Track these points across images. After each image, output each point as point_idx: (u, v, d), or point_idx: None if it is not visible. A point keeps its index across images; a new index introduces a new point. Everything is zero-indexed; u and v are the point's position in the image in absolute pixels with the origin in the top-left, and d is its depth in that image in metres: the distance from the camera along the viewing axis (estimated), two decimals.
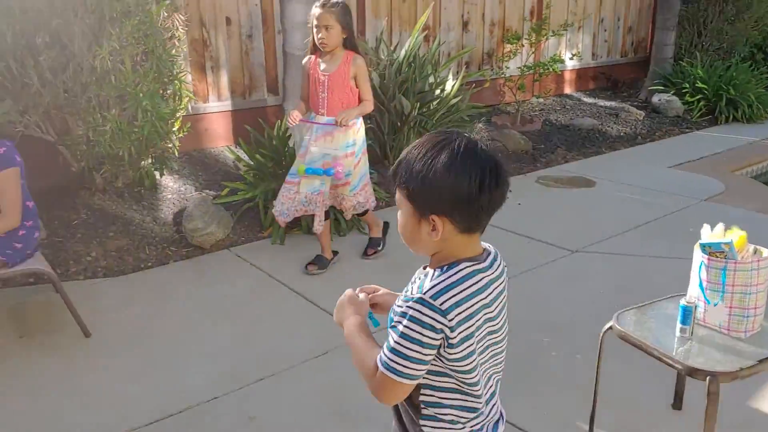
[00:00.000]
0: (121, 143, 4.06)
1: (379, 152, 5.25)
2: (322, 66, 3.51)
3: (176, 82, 4.32)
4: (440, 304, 1.27)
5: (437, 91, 5.20)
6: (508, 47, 7.34)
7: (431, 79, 5.18)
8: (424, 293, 1.28)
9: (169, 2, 4.27)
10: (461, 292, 1.29)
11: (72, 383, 2.74)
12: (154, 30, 4.07)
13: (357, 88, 3.54)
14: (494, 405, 1.43)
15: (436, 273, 1.33)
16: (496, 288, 1.37)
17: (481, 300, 1.32)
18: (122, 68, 3.93)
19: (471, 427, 1.38)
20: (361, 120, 3.64)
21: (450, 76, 5.42)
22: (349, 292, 1.52)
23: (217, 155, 5.41)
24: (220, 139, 5.64)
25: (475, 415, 1.37)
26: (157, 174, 4.66)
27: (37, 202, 3.08)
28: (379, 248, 3.96)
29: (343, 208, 3.74)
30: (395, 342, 1.29)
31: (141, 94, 3.96)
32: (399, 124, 5.10)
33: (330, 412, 2.57)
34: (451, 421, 1.36)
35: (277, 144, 4.38)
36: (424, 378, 1.33)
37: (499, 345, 1.40)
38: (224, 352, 2.97)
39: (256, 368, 2.84)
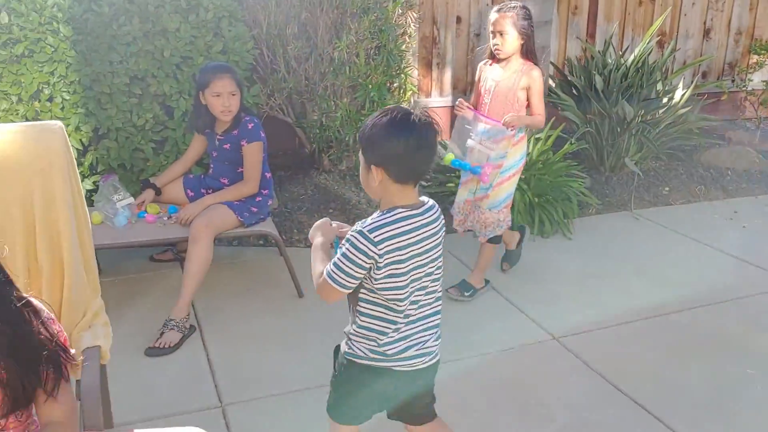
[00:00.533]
0: (348, 130, 4.40)
1: (596, 157, 5.13)
2: (494, 72, 3.31)
3: (403, 75, 4.59)
4: (374, 237, 1.69)
5: (665, 99, 4.96)
6: (754, 58, 6.74)
7: (659, 87, 4.95)
8: (364, 227, 1.71)
9: (405, 1, 4.55)
10: (392, 230, 1.71)
11: (284, 335, 3.07)
12: (389, 26, 4.36)
13: (527, 101, 3.27)
14: (424, 330, 1.82)
15: (378, 214, 1.73)
16: (426, 231, 1.76)
17: (409, 238, 1.72)
18: (356, 60, 4.27)
19: (392, 336, 1.79)
20: (524, 138, 3.36)
21: (681, 85, 5.13)
22: (325, 219, 1.93)
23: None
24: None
25: (395, 327, 1.79)
26: None
27: (273, 175, 3.48)
28: (467, 295, 3.46)
29: (480, 225, 3.41)
30: (338, 259, 1.73)
31: (370, 86, 4.27)
32: (619, 129, 4.95)
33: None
34: (376, 331, 1.79)
35: None
36: (361, 293, 1.78)
37: (427, 279, 1.79)
38: None
39: None
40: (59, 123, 2.04)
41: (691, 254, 4.05)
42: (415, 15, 4.77)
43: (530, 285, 3.62)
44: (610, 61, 5.12)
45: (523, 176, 4.32)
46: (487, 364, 2.91)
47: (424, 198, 1.82)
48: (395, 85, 4.66)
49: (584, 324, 3.23)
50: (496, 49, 3.23)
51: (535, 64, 3.25)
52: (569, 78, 5.22)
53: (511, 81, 3.24)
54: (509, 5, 3.20)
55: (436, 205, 1.82)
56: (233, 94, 3.18)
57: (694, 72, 6.71)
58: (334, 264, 1.74)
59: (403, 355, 1.81)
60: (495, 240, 3.47)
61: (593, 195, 4.67)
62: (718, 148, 5.65)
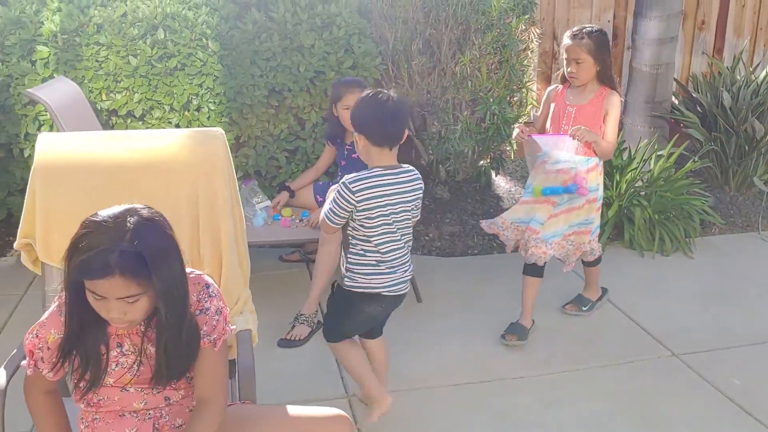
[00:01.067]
0: (467, 142, 4.52)
1: (720, 177, 4.99)
2: (571, 97, 3.19)
3: (524, 90, 4.66)
4: (353, 187, 2.27)
5: None
6: None
7: None
8: (347, 179, 2.29)
9: (528, 17, 4.63)
10: (368, 183, 2.28)
11: (403, 335, 3.22)
12: (511, 41, 4.45)
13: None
14: (400, 264, 2.39)
15: (363, 171, 2.30)
16: (397, 188, 2.31)
17: (381, 191, 2.28)
18: (478, 75, 4.38)
19: (377, 268, 2.36)
20: (598, 169, 3.17)
21: None
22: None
23: None
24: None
25: (374, 251, 2.34)
26: (492, 173, 5.07)
27: None
28: (585, 309, 3.44)
29: (569, 261, 3.24)
30: (329, 202, 2.34)
31: (491, 99, 4.38)
32: (747, 148, 4.80)
33: None
34: (362, 264, 2.37)
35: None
36: (349, 230, 2.36)
37: (397, 224, 2.34)
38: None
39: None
40: (221, 130, 2.28)
41: None
42: (537, 31, 4.83)
43: (649, 301, 3.60)
44: (738, 77, 4.97)
45: (643, 192, 4.30)
46: (606, 375, 2.94)
47: (407, 165, 2.39)
48: (515, 98, 4.74)
49: (706, 343, 3.18)
50: (571, 77, 3.14)
51: (613, 88, 3.16)
52: (694, 95, 5.11)
53: (595, 106, 3.13)
54: (585, 30, 3.09)
55: (416, 172, 2.40)
56: None
57: None
58: (328, 207, 2.34)
59: (389, 283, 2.38)
60: (597, 262, 3.39)
61: (717, 214, 4.55)
62: None
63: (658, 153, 4.48)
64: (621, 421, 2.63)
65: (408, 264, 2.45)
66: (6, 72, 3.70)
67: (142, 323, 1.55)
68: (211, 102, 3.82)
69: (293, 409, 1.78)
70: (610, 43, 3.14)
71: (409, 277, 2.48)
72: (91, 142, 2.20)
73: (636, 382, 2.90)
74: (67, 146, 2.16)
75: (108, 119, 3.81)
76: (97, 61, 3.71)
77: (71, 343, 1.51)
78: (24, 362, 1.63)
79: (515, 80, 4.56)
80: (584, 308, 3.47)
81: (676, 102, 5.24)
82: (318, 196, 3.68)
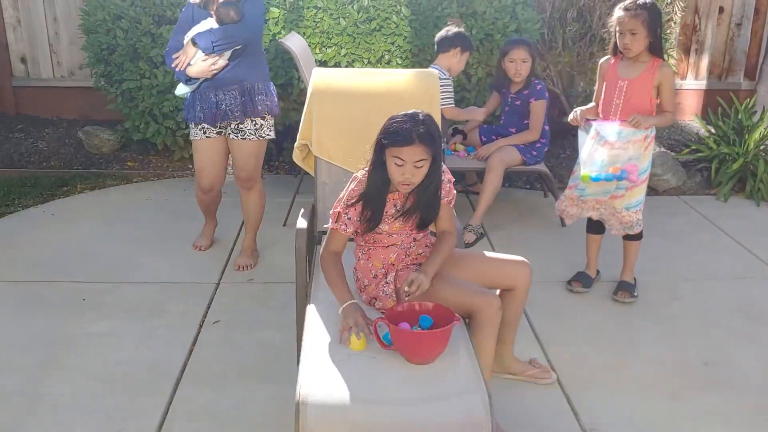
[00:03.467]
0: None
1: None
2: (622, 70, 3.25)
3: (666, 56, 5.24)
4: None
5: None
6: None
7: None
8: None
9: None
10: None
11: (546, 245, 4.00)
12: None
13: (658, 98, 3.24)
14: None
15: None
16: None
17: None
18: None
19: None
20: (653, 137, 3.28)
21: None
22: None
23: (683, 126, 6.17)
24: (687, 113, 6.38)
25: None
26: None
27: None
28: (636, 294, 3.46)
29: (617, 223, 3.35)
30: None
31: None
32: None
33: None
34: None
35: (741, 117, 5.00)
36: None
37: None
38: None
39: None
40: (434, 70, 3.15)
41: None
42: (682, 4, 5.38)
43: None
44: None
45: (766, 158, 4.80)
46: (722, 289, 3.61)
47: None
48: None
49: None
50: (625, 49, 3.16)
51: (662, 59, 3.22)
52: None
53: (646, 80, 3.20)
54: (638, 2, 3.12)
55: None
56: (524, 62, 4.13)
57: None
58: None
59: None
60: (638, 236, 3.43)
61: None
62: None
63: None
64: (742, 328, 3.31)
65: None
66: None
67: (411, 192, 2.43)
68: (398, 57, 4.72)
69: (488, 253, 2.65)
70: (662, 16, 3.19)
71: None
72: (350, 75, 3.14)
73: (754, 295, 3.55)
74: (334, 77, 3.10)
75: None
76: (314, 21, 4.69)
77: (367, 198, 2.41)
78: (327, 225, 2.54)
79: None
80: (635, 293, 3.47)
81: None
82: (482, 137, 4.50)
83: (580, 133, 3.27)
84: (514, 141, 4.26)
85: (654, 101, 3.25)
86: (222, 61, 3.37)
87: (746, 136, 4.88)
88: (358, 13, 4.65)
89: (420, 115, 2.28)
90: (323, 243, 2.50)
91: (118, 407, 2.59)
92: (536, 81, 4.23)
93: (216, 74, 3.38)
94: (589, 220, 3.49)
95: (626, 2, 3.16)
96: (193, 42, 3.32)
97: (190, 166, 5.20)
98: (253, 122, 3.51)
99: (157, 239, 4.06)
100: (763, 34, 6.25)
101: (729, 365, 2.94)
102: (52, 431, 2.46)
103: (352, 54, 4.70)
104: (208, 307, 3.33)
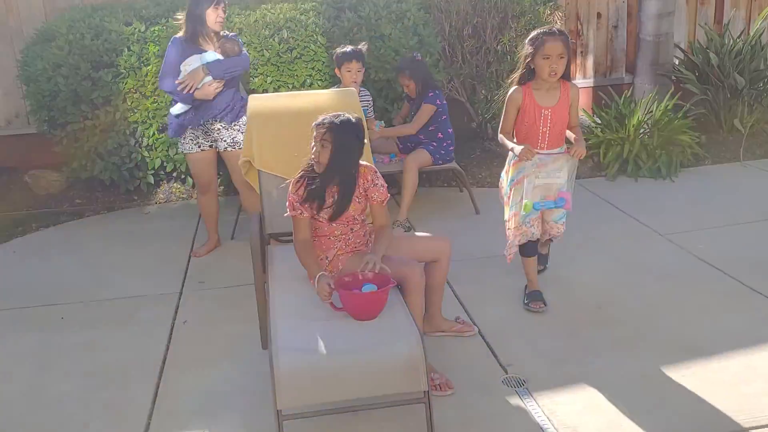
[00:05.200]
0: None
1: (714, 121, 6.26)
2: (540, 99, 3.38)
3: None
4: None
5: None
6: None
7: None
8: None
9: (552, 3, 5.96)
10: None
11: (463, 233, 4.62)
12: (540, 24, 5.79)
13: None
14: None
15: None
16: None
17: None
18: (515, 51, 5.74)
19: None
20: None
21: None
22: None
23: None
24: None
25: None
26: None
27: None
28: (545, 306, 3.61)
29: (548, 233, 3.71)
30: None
31: None
32: (730, 96, 6.06)
33: None
34: None
35: (621, 107, 5.80)
36: None
37: None
38: None
39: None
40: (353, 89, 3.73)
41: None
42: (560, 14, 6.16)
43: (655, 212, 4.93)
44: (726, 41, 6.21)
45: (647, 131, 5.59)
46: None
47: None
48: None
49: (690, 227, 4.52)
50: (554, 73, 3.26)
51: (569, 80, 3.42)
52: (691, 58, 6.38)
53: (564, 104, 3.40)
54: (556, 28, 3.32)
55: None
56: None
57: None
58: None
59: None
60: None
61: (710, 150, 5.82)
62: None
63: (659, 102, 5.78)
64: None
65: None
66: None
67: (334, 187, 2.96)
68: (319, 80, 5.29)
69: (417, 233, 3.24)
70: None
71: None
72: (281, 98, 3.72)
73: (631, 252, 4.25)
74: (268, 101, 3.65)
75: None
76: None
77: (305, 179, 2.93)
78: (286, 213, 3.06)
79: None
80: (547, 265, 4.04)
81: (677, 62, 6.50)
82: (399, 143, 5.09)
83: (517, 165, 3.45)
84: (393, 132, 4.97)
85: (571, 118, 3.48)
86: (220, 85, 4.18)
87: (626, 122, 5.66)
88: (280, 45, 5.20)
89: (343, 115, 2.87)
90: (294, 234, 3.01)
91: (113, 397, 3.04)
92: (431, 92, 4.86)
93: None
94: (522, 246, 3.61)
95: (543, 30, 3.31)
96: (205, 70, 4.10)
97: (136, 198, 5.62)
98: (240, 135, 4.23)
99: (119, 261, 4.48)
100: (636, 34, 7.13)
101: (616, 306, 3.61)
102: (57, 422, 2.88)
103: (278, 81, 5.24)
104: (176, 311, 3.79)
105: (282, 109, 3.62)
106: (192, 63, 4.13)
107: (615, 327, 3.40)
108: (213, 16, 4.11)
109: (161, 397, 3.02)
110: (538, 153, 3.41)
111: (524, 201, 3.45)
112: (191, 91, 4.14)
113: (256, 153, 3.57)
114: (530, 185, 3.44)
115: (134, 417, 2.89)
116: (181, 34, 4.21)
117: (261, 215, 3.52)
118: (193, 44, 4.16)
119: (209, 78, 4.13)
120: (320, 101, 3.64)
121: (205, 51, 4.18)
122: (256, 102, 3.62)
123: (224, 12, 4.16)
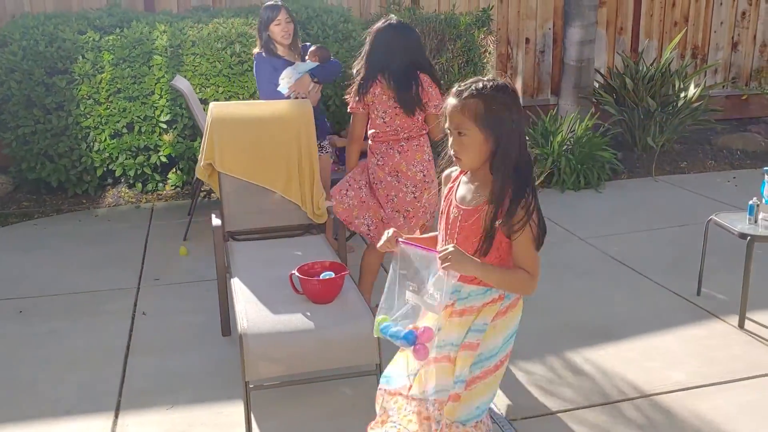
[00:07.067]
0: None
1: (630, 140, 6.88)
2: (461, 190, 2.18)
3: None
4: None
5: (681, 95, 6.65)
6: None
7: (676, 86, 6.65)
8: None
9: (486, 28, 6.45)
10: None
11: None
12: (474, 47, 6.27)
13: None
14: None
15: None
16: None
17: None
18: (452, 70, 6.20)
19: None
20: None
21: (692, 86, 6.80)
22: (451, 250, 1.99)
23: None
24: None
25: None
26: None
27: None
28: None
29: None
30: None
31: None
32: (642, 117, 6.69)
33: None
34: None
35: (546, 125, 6.32)
36: None
37: None
38: None
39: None
40: (308, 100, 4.05)
41: (685, 200, 5.75)
42: (493, 38, 6.66)
43: (577, 219, 5.42)
44: (641, 69, 6.85)
45: (569, 148, 6.12)
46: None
47: None
48: None
49: (607, 233, 5.02)
50: (455, 157, 2.11)
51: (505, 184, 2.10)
52: (609, 82, 6.99)
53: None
54: (476, 86, 2.05)
55: None
56: (288, 22, 4.49)
57: (725, 77, 8.31)
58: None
59: None
60: None
61: (626, 166, 6.41)
62: (731, 134, 7.26)
63: (581, 121, 6.34)
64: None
65: None
66: (132, 74, 5.44)
67: None
68: None
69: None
70: (518, 103, 2.08)
71: None
72: (241, 106, 3.99)
73: (569, 254, 4.71)
74: (229, 108, 3.93)
75: (203, 105, 5.57)
76: (193, 65, 5.47)
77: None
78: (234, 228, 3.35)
79: (479, 74, 6.38)
80: None
81: (597, 86, 7.10)
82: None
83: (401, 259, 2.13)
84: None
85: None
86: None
87: (551, 139, 6.18)
88: (231, 57, 5.48)
89: None
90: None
91: (84, 378, 3.24)
92: None
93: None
94: None
95: (460, 85, 2.10)
96: (312, 76, 4.41)
97: (84, 201, 5.75)
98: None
99: (74, 260, 4.64)
100: (561, 59, 7.72)
101: (542, 300, 4.02)
102: (34, 404, 3.07)
103: (228, 91, 5.51)
104: (135, 304, 3.99)
105: (242, 115, 3.91)
106: (289, 74, 4.33)
107: (542, 317, 3.82)
108: (277, 31, 4.36)
109: (128, 378, 3.24)
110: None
111: (378, 317, 2.17)
112: (301, 97, 4.33)
113: (218, 157, 3.84)
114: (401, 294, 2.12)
115: (105, 396, 3.10)
116: (257, 50, 4.49)
117: (222, 212, 3.79)
118: (275, 57, 4.42)
119: (313, 85, 4.43)
120: (278, 110, 3.95)
121: (289, 61, 4.40)
122: (218, 108, 3.90)
123: (288, 23, 4.38)
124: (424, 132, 3.58)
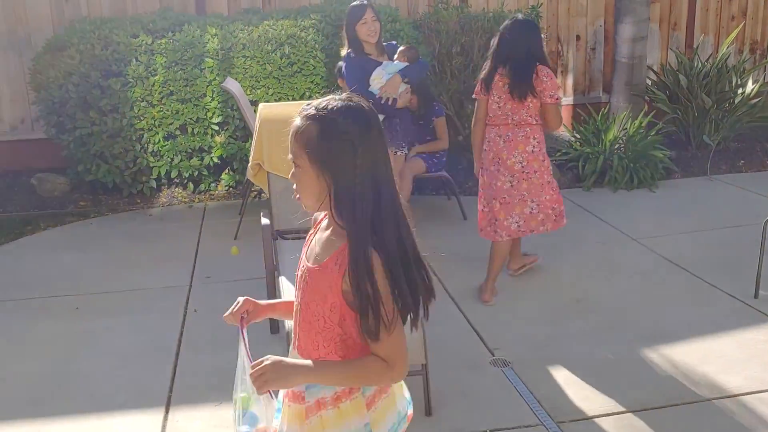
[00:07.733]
0: None
1: (684, 138, 6.70)
2: (311, 243, 1.79)
3: None
4: None
5: (738, 92, 6.45)
6: None
7: (733, 83, 6.45)
8: None
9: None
10: None
11: (450, 243, 4.97)
12: None
13: None
14: None
15: None
16: None
17: None
18: None
19: None
20: None
21: (750, 81, 6.58)
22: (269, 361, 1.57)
23: (557, 136, 7.37)
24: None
25: None
26: None
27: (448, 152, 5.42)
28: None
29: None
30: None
31: None
32: (697, 114, 6.51)
33: None
34: None
35: (598, 123, 6.20)
36: None
37: None
38: None
39: None
40: None
41: (742, 199, 5.57)
42: (544, 35, 6.57)
43: (629, 219, 5.31)
44: (696, 64, 6.66)
45: (622, 147, 5.99)
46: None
47: None
48: None
49: (660, 233, 4.91)
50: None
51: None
52: (663, 79, 6.82)
53: (333, 274, 1.62)
54: (317, 107, 1.67)
55: None
56: (374, 20, 4.52)
57: None
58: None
59: None
60: None
61: (679, 165, 6.25)
62: None
63: (633, 119, 6.20)
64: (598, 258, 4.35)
65: None
66: (184, 76, 5.55)
67: None
68: (317, 94, 5.63)
69: None
70: (374, 134, 1.61)
71: None
72: (289, 106, 4.03)
73: (612, 257, 4.61)
74: (277, 109, 3.98)
75: (253, 106, 5.64)
76: (244, 68, 5.55)
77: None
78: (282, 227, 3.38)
79: None
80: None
81: (649, 83, 6.94)
82: None
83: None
84: (429, 149, 5.28)
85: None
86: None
87: (603, 138, 6.06)
88: (281, 59, 5.54)
89: None
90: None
91: (137, 374, 3.32)
92: (435, 104, 5.23)
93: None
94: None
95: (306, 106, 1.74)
96: (403, 77, 4.40)
97: (139, 201, 5.89)
98: None
99: (127, 258, 4.75)
100: (612, 56, 7.57)
101: (593, 301, 3.96)
102: (84, 397, 3.16)
103: (278, 93, 5.58)
104: (187, 301, 4.07)
105: (290, 116, 3.91)
106: (380, 75, 4.34)
107: (591, 318, 3.75)
108: (363, 31, 4.28)
109: (179, 374, 3.31)
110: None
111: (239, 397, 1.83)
112: (391, 102, 4.36)
113: (266, 157, 3.89)
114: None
115: (156, 390, 3.17)
116: (345, 51, 4.43)
117: (271, 211, 3.83)
118: (363, 56, 4.37)
119: (404, 86, 4.44)
120: None
121: (378, 61, 4.38)
122: (266, 109, 3.95)
123: (374, 22, 4.27)
124: (536, 123, 3.90)
